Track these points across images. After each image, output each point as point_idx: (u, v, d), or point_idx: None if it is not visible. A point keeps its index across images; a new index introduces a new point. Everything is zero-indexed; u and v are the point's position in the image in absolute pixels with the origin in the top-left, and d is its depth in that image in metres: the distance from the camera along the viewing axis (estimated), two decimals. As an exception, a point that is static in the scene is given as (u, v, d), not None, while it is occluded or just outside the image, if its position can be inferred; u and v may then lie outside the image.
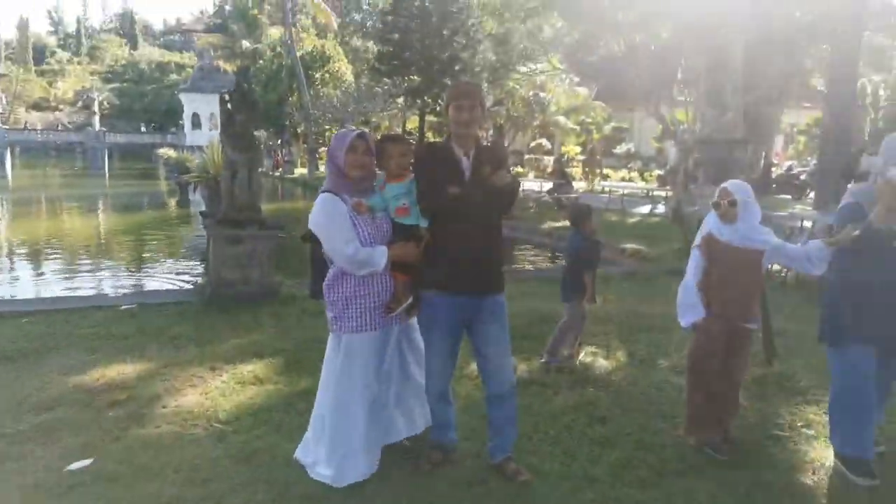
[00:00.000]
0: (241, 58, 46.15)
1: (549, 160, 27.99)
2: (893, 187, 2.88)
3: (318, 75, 38.49)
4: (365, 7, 58.36)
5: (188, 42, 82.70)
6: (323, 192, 2.92)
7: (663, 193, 16.13)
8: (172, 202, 22.69)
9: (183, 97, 54.62)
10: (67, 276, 9.85)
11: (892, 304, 2.98)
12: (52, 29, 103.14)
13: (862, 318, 3.01)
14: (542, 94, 26.93)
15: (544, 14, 19.79)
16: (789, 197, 20.91)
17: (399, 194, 3.03)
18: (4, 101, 64.62)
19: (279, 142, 44.44)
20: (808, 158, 30.00)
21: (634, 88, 14.43)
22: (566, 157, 26.39)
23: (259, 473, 3.15)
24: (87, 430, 3.63)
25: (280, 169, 37.68)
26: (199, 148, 14.24)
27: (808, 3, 15.41)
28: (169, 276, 9.70)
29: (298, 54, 37.19)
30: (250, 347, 5.08)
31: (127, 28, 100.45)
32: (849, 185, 8.24)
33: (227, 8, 56.86)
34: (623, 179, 26.71)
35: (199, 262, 10.61)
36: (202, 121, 52.41)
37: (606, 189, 20.34)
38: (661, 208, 14.39)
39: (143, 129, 68.99)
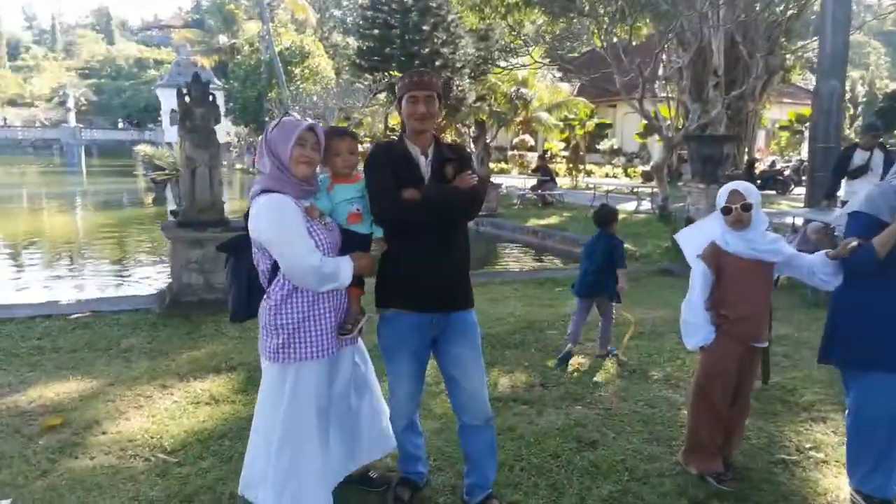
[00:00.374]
0: (218, 53, 45.30)
1: (532, 156, 27.69)
2: None
3: (297, 71, 37.85)
4: (344, 3, 57.80)
5: (167, 38, 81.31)
6: (264, 191, 2.44)
7: (648, 190, 15.85)
8: (148, 200, 22.06)
9: (160, 93, 53.61)
10: (22, 279, 9.33)
11: None
12: (26, 24, 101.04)
13: (887, 342, 2.64)
14: (524, 90, 26.60)
15: (525, 9, 19.43)
16: (774, 192, 20.78)
17: (351, 198, 2.62)
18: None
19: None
20: (791, 154, 30.04)
21: (616, 84, 14.13)
22: (549, 153, 26.05)
23: (201, 517, 2.74)
24: (11, 464, 3.19)
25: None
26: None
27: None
28: (133, 281, 9.21)
29: (277, 50, 36.55)
30: (208, 361, 4.65)
31: (103, 24, 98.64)
32: (842, 181, 8.04)
33: (205, 3, 55.93)
34: (607, 176, 26.48)
35: (166, 266, 10.11)
36: (180, 117, 51.39)
37: (590, 186, 20.05)
38: (646, 205, 14.11)
39: (120, 125, 67.71)
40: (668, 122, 15.35)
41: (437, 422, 3.69)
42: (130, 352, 4.87)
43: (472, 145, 16.15)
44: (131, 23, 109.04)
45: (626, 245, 9.87)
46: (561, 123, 26.97)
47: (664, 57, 19.13)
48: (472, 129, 16.55)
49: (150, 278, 9.40)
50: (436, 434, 3.51)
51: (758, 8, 12.01)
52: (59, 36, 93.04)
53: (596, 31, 14.63)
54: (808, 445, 3.45)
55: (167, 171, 15.89)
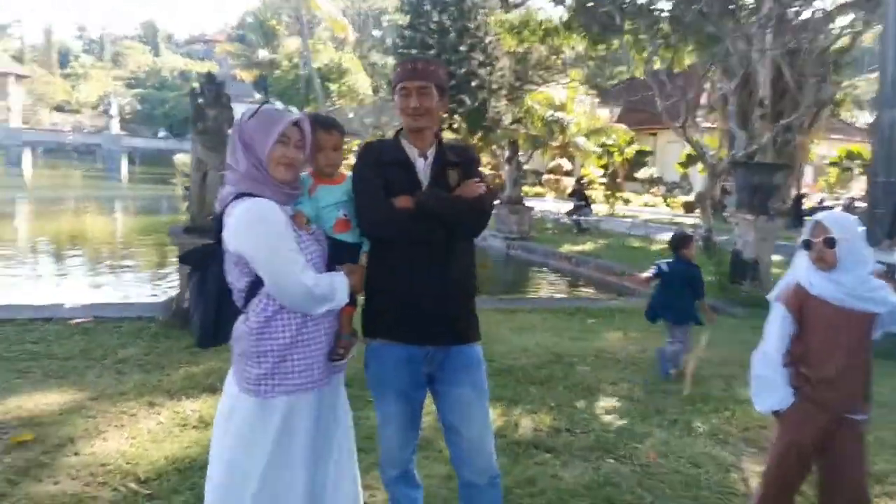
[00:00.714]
0: (258, 67, 45.94)
1: (568, 181, 27.20)
2: None
3: (334, 87, 38.12)
4: (384, 24, 58.45)
5: (210, 52, 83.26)
6: (240, 195, 2.02)
7: (689, 220, 15.22)
8: (183, 207, 22.17)
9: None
10: (40, 280, 9.17)
11: None
12: (77, 34, 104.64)
13: None
14: (561, 115, 26.24)
15: (563, 33, 19.14)
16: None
17: (338, 202, 2.21)
18: (27, 102, 65.09)
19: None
20: (840, 191, 28.95)
21: (659, 111, 13.62)
22: (586, 179, 25.55)
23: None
24: (-35, 485, 2.84)
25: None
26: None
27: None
28: (147, 287, 8.98)
29: (315, 66, 36.88)
30: (203, 378, 4.27)
31: (150, 37, 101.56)
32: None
33: (249, 20, 57.05)
34: (646, 205, 25.81)
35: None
36: (218, 128, 52.14)
37: (629, 214, 19.46)
38: (685, 236, 13.51)
39: (161, 134, 69.20)
40: (713, 151, 14.77)
41: (445, 465, 3.21)
42: (125, 363, 4.53)
43: (506, 166, 15.77)
44: (177, 36, 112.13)
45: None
46: (599, 149, 26.49)
47: (707, 85, 18.58)
48: (507, 150, 16.16)
49: (167, 285, 9.16)
50: (444, 482, 3.05)
51: (807, 36, 11.43)
52: (108, 46, 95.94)
53: (637, 56, 14.16)
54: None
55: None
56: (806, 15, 11.96)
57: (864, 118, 35.42)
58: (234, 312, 2.11)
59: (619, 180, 23.66)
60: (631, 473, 3.26)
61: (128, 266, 11.39)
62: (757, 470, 3.18)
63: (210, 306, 2.12)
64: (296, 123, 2.08)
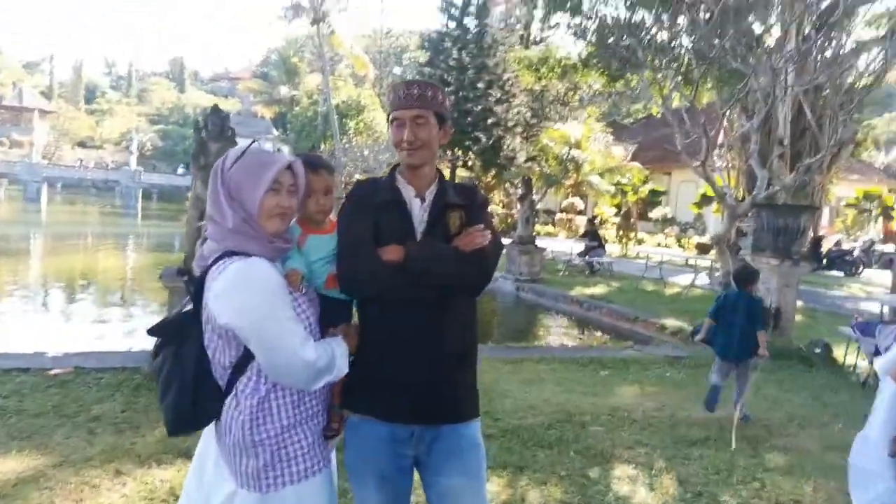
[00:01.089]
0: (278, 104, 46.59)
1: (581, 220, 26.85)
2: None
3: (352, 124, 38.40)
4: (406, 62, 59.22)
5: (234, 89, 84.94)
6: (228, 254, 1.72)
7: (704, 262, 14.77)
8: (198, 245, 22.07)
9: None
10: (33, 322, 8.95)
11: None
12: (106, 70, 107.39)
13: None
14: (576, 153, 26.04)
15: (582, 70, 19.07)
16: (841, 274, 19.31)
17: (329, 255, 1.92)
18: (50, 138, 66.44)
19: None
20: (858, 233, 28.31)
21: (676, 150, 13.35)
22: (599, 218, 25.17)
23: None
24: None
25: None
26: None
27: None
28: (140, 332, 8.69)
29: (334, 103, 37.22)
30: (181, 442, 3.85)
31: (177, 73, 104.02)
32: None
33: (273, 58, 58.14)
34: (659, 245, 25.35)
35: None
36: (236, 165, 52.68)
37: (642, 255, 19.02)
38: (702, 279, 13.04)
39: (179, 170, 70.25)
40: (730, 191, 14.40)
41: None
42: (98, 421, 4.19)
43: (518, 205, 15.49)
44: (203, 73, 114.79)
45: (681, 325, 8.97)
46: (613, 188, 26.18)
47: (725, 123, 18.34)
48: (520, 188, 15.90)
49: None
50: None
51: (832, 72, 11.14)
52: (135, 83, 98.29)
53: (657, 92, 13.95)
54: None
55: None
56: (829, 52, 11.70)
57: (881, 158, 34.93)
58: (215, 393, 1.78)
59: (632, 220, 23.24)
60: (650, 571, 2.85)
61: (122, 309, 11.17)
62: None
63: (187, 388, 1.77)
64: (290, 167, 1.80)
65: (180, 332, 1.81)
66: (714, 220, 24.93)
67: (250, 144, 1.82)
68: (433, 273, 1.81)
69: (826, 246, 21.66)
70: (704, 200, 22.53)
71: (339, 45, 38.14)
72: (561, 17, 17.82)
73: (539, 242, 14.80)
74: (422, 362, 1.83)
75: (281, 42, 56.57)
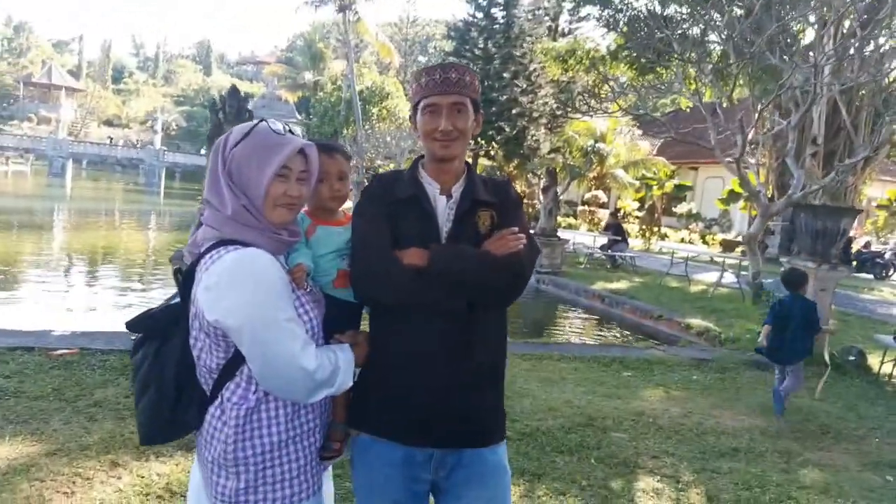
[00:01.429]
0: (302, 89, 46.53)
1: (603, 213, 26.43)
2: None
3: (374, 111, 38.20)
4: (431, 51, 58.83)
5: (259, 73, 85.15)
6: (224, 243, 1.50)
7: (731, 259, 14.34)
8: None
9: (243, 123, 55.44)
10: (41, 298, 8.88)
11: None
12: (133, 52, 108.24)
13: None
14: (601, 145, 25.60)
15: (611, 63, 18.62)
16: (871, 277, 18.75)
17: (340, 249, 1.69)
18: (77, 116, 67.21)
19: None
20: (889, 235, 27.52)
21: (706, 145, 12.92)
22: (622, 212, 24.71)
23: None
24: None
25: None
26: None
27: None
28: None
29: (358, 89, 37.02)
30: (181, 433, 3.74)
31: (203, 56, 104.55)
32: None
33: (299, 43, 58.05)
34: (683, 241, 24.85)
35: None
36: (260, 147, 52.94)
37: (665, 250, 18.57)
38: (728, 277, 12.64)
39: (203, 151, 70.75)
40: (763, 189, 13.94)
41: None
42: (99, 407, 4.02)
43: (541, 196, 15.18)
44: (229, 57, 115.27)
45: (708, 325, 8.65)
46: (637, 182, 25.72)
47: (754, 116, 17.83)
48: (543, 179, 15.57)
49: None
50: None
51: (871, 71, 10.64)
52: (162, 64, 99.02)
53: (689, 86, 13.50)
54: None
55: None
56: (869, 50, 11.20)
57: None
58: (198, 399, 1.56)
59: (656, 215, 22.75)
60: None
61: (139, 287, 11.08)
62: None
63: (166, 391, 1.56)
64: (303, 151, 1.56)
65: (164, 328, 1.59)
66: (740, 217, 24.36)
67: (259, 122, 1.56)
68: (460, 280, 1.57)
69: (855, 247, 21.07)
70: (732, 197, 22.00)
71: (364, 32, 37.93)
72: (591, 9, 17.46)
73: (561, 234, 14.50)
74: (445, 381, 1.60)
75: (307, 28, 56.50)
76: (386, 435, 1.64)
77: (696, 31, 12.94)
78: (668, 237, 24.73)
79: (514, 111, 27.10)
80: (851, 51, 10.57)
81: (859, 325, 9.64)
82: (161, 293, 10.40)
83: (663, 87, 16.26)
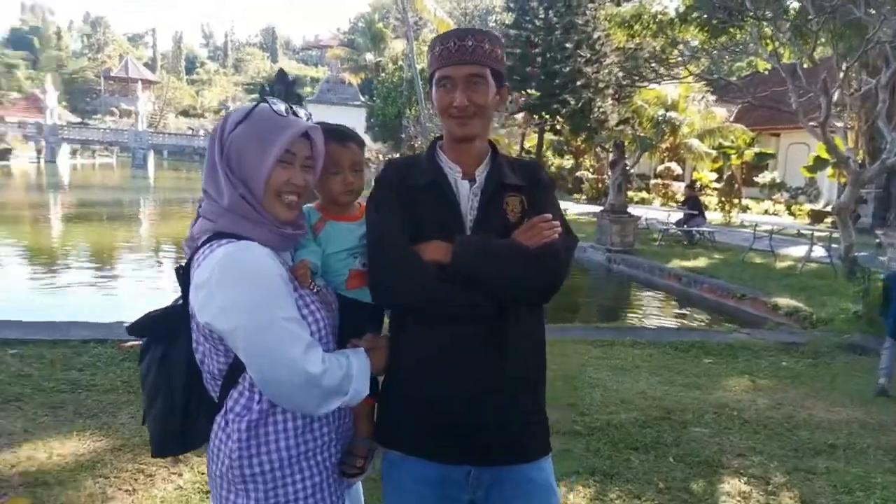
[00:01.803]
0: (364, 71, 46.81)
1: (678, 186, 25.35)
2: None
3: (437, 89, 38.06)
4: (491, 24, 57.82)
5: (323, 57, 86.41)
6: (218, 236, 1.36)
7: (820, 232, 13.40)
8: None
9: (311, 109, 56.41)
10: (124, 289, 9.22)
11: None
12: (203, 42, 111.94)
13: None
14: (672, 114, 24.44)
15: (680, 26, 17.69)
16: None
17: (354, 247, 1.53)
18: (155, 107, 70.21)
19: (396, 155, 44.58)
20: None
21: (787, 109, 12.02)
22: (699, 184, 23.57)
23: None
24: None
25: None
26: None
27: None
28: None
29: (419, 68, 36.86)
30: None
31: (269, 43, 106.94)
32: None
33: (360, 24, 58.37)
34: (766, 213, 23.51)
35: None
36: (328, 131, 53.99)
37: (748, 224, 17.58)
38: (817, 251, 11.80)
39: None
40: (852, 155, 12.92)
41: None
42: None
43: (610, 171, 14.62)
44: (294, 42, 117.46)
45: (797, 304, 8.06)
46: (714, 152, 24.47)
47: (839, 75, 16.58)
48: (611, 152, 14.97)
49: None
50: None
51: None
52: (231, 53, 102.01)
53: (766, 46, 12.59)
54: None
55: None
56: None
57: None
58: (208, 407, 1.44)
59: (736, 186, 21.56)
60: None
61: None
62: None
63: (176, 401, 1.45)
64: (307, 134, 1.40)
65: (167, 331, 1.46)
66: (828, 185, 22.80)
67: (259, 102, 1.40)
68: (489, 276, 1.39)
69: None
70: (818, 164, 20.55)
71: (423, 9, 37.57)
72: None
73: (632, 210, 13.92)
74: (478, 390, 1.43)
75: (367, 8, 56.67)
76: (416, 453, 1.48)
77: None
78: (749, 209, 23.44)
79: (578, 83, 26.25)
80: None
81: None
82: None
83: (738, 49, 15.34)
